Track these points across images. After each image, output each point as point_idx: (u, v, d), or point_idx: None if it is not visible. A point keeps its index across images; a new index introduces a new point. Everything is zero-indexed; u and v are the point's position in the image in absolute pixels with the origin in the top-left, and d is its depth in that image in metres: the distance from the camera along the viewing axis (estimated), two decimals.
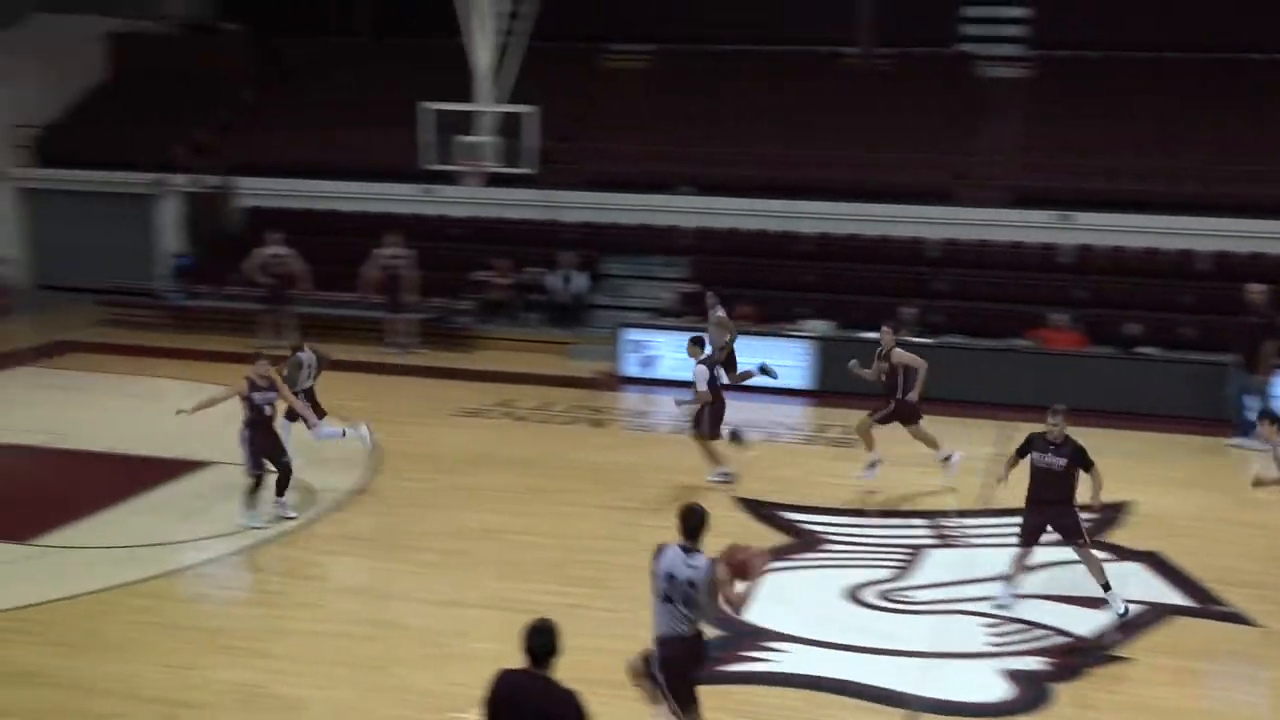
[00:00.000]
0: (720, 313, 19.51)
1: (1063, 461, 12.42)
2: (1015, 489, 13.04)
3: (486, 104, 25.61)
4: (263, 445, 14.74)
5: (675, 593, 8.83)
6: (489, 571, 13.65)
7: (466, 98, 26.01)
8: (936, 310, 22.91)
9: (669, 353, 21.99)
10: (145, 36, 32.55)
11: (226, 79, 30.83)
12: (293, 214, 27.34)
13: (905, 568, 13.97)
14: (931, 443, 16.66)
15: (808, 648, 11.94)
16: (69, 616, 12.30)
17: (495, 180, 26.30)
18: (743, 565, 8.86)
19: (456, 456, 17.61)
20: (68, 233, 28.73)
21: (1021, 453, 12.79)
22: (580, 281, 24.76)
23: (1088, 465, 12.43)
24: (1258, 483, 13.28)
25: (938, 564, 14.09)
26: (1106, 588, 12.59)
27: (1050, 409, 12.58)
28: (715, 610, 8.95)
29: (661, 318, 23.10)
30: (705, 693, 11.19)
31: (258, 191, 27.98)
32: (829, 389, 21.10)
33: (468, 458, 17.52)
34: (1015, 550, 12.91)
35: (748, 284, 24.10)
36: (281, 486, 14.93)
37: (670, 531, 13.44)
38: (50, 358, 23.30)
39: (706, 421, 16.61)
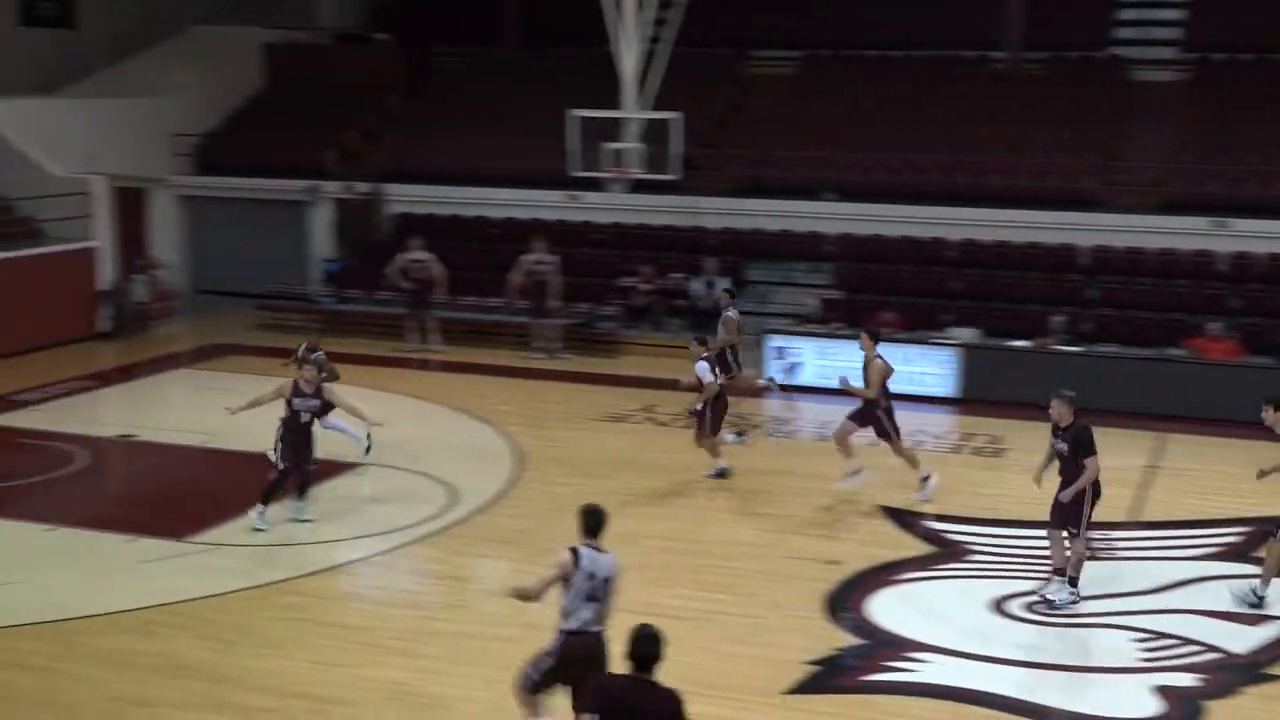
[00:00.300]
0: (731, 313, 19.66)
1: (1064, 446, 12.70)
2: (1165, 502, 12.78)
3: (632, 111, 25.75)
4: (293, 446, 14.90)
5: (599, 591, 9.22)
6: (628, 576, 13.58)
7: (612, 105, 26.17)
8: (1086, 318, 22.48)
9: (812, 359, 21.91)
10: (300, 47, 33.30)
11: (377, 88, 31.40)
12: (440, 220, 27.76)
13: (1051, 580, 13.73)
14: (913, 462, 16.26)
15: (951, 659, 11.81)
16: (221, 612, 12.62)
17: (639, 186, 26.43)
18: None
19: (599, 461, 17.72)
20: (224, 238, 29.47)
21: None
22: (723, 287, 24.74)
23: (1085, 454, 12.56)
24: (1261, 475, 13.17)
25: (1084, 576, 13.83)
26: (1060, 573, 12.84)
27: (1054, 393, 12.82)
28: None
29: (805, 324, 22.98)
30: (847, 702, 11.15)
31: (406, 198, 28.44)
32: (974, 397, 20.83)
33: (610, 462, 17.61)
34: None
35: (892, 290, 23.90)
36: (302, 489, 15.14)
37: (811, 540, 13.36)
38: (207, 360, 23.94)
39: (710, 420, 16.76)
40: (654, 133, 25.35)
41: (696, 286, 24.88)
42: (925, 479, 16.15)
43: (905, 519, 15.42)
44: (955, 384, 21.20)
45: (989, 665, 11.68)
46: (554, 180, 26.94)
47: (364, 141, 30.29)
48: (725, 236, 26.32)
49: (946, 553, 14.46)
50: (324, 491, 16.30)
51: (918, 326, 22.47)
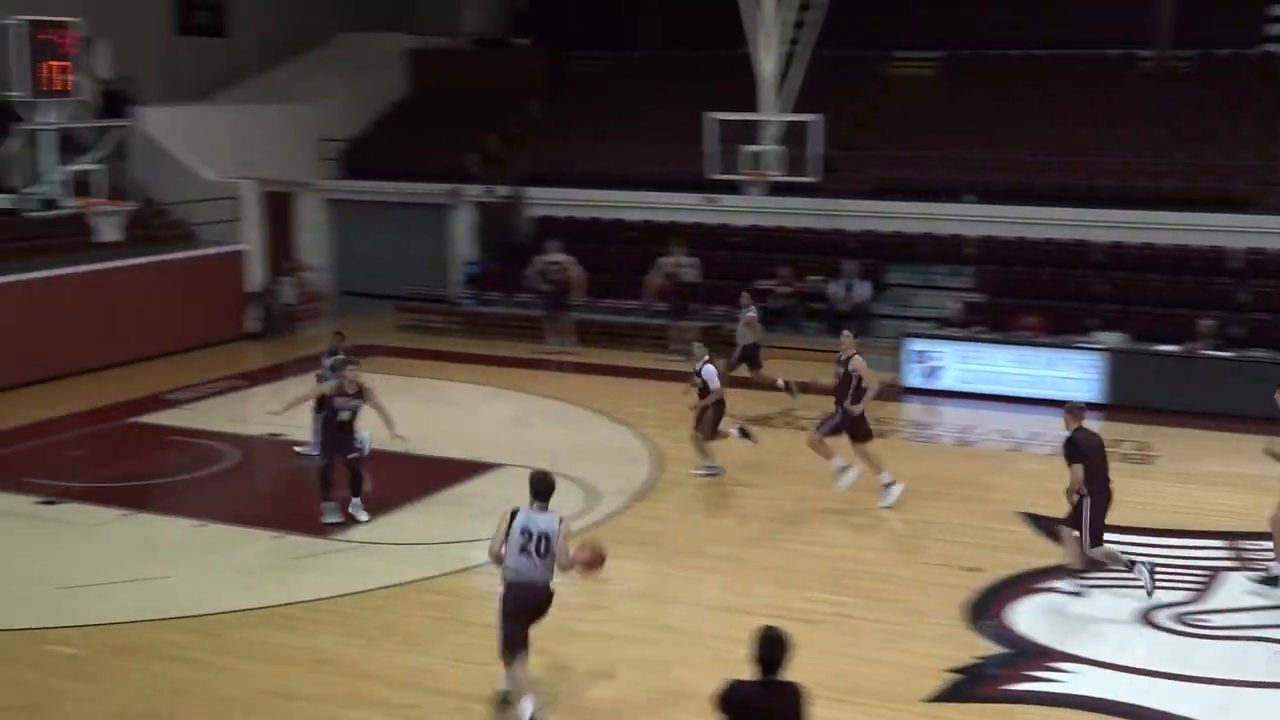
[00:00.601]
0: (751, 314, 19.85)
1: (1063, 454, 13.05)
2: None
3: (770, 113, 25.69)
4: (331, 443, 15.21)
5: (532, 544, 10.36)
6: (765, 578, 13.70)
7: (750, 107, 26.14)
8: (1238, 323, 21.95)
9: (953, 363, 21.67)
10: (442, 53, 33.80)
11: (518, 92, 31.72)
12: (579, 222, 27.96)
13: (1202, 591, 13.45)
14: (877, 466, 16.09)
15: (1097, 669, 11.61)
16: (364, 609, 12.85)
17: (777, 189, 26.36)
18: (588, 562, 10.64)
19: (736, 464, 17.70)
20: (368, 241, 30.01)
21: None
22: (862, 290, 24.60)
23: (1069, 462, 12.82)
24: (1269, 452, 13.56)
25: (1236, 588, 13.51)
26: (1072, 571, 13.09)
27: None
28: (565, 560, 10.45)
29: (945, 328, 22.73)
30: (989, 712, 11.01)
31: (546, 201, 28.69)
32: (1120, 403, 20.43)
33: (748, 465, 17.59)
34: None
35: (1035, 294, 23.55)
36: (356, 486, 15.31)
37: (951, 545, 13.26)
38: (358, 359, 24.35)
39: (709, 421, 16.93)
40: (793, 135, 25.27)
41: (835, 289, 24.74)
42: (889, 485, 16.03)
43: (1047, 525, 15.17)
44: (1100, 389, 20.80)
45: (1135, 677, 11.46)
46: (692, 183, 26.98)
47: (505, 145, 30.61)
48: (864, 239, 26.15)
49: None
50: (464, 492, 16.53)
51: (1061, 331, 22.10)
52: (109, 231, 18.36)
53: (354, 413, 15.21)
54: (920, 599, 13.18)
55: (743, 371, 20.29)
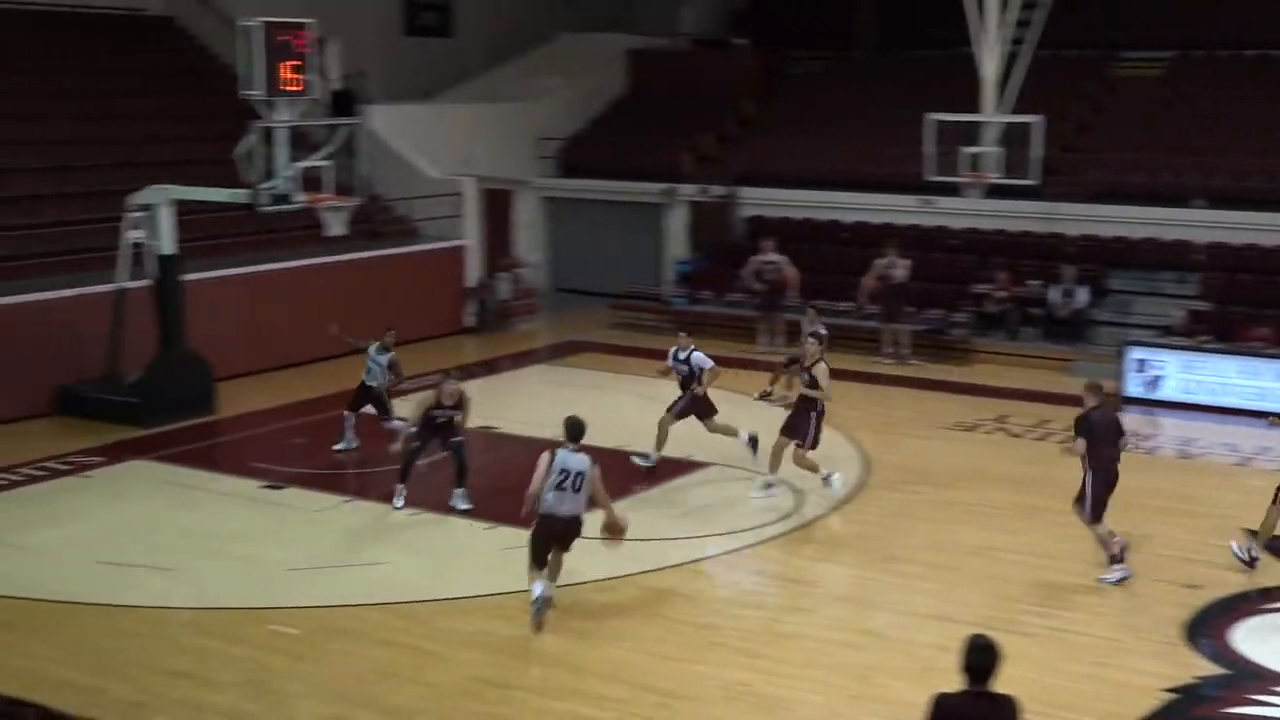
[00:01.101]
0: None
1: None
2: None
3: (991, 114, 25.24)
4: (423, 435, 15.72)
5: (568, 481, 12.00)
6: (976, 588, 13.49)
7: (969, 108, 25.73)
8: None
9: (1175, 373, 21.02)
10: (661, 53, 34.07)
11: (734, 92, 31.79)
12: (793, 223, 27.88)
13: None
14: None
15: None
16: (575, 602, 13.00)
17: (996, 191, 25.88)
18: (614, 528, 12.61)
19: (947, 470, 17.47)
20: (583, 239, 30.41)
21: None
22: (1081, 296, 24.00)
23: (1074, 433, 13.62)
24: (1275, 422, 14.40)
25: None
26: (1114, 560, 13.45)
27: None
28: (601, 498, 12.28)
29: (1168, 336, 22.04)
30: None
31: (759, 200, 28.67)
32: None
33: (959, 472, 17.34)
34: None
35: (1267, 303, 22.69)
36: (460, 477, 15.74)
37: (1170, 561, 12.94)
38: (563, 356, 24.73)
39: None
40: (1013, 136, 24.78)
41: (1054, 294, 24.19)
42: (827, 477, 15.96)
43: (1274, 543, 14.61)
44: None
45: None
46: (908, 184, 26.70)
47: (720, 145, 30.69)
48: (1085, 243, 25.51)
49: None
50: (671, 490, 16.63)
51: None
52: (337, 226, 18.97)
53: (451, 419, 15.67)
54: (1137, 614, 12.83)
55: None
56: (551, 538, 12.23)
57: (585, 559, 14.16)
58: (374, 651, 11.88)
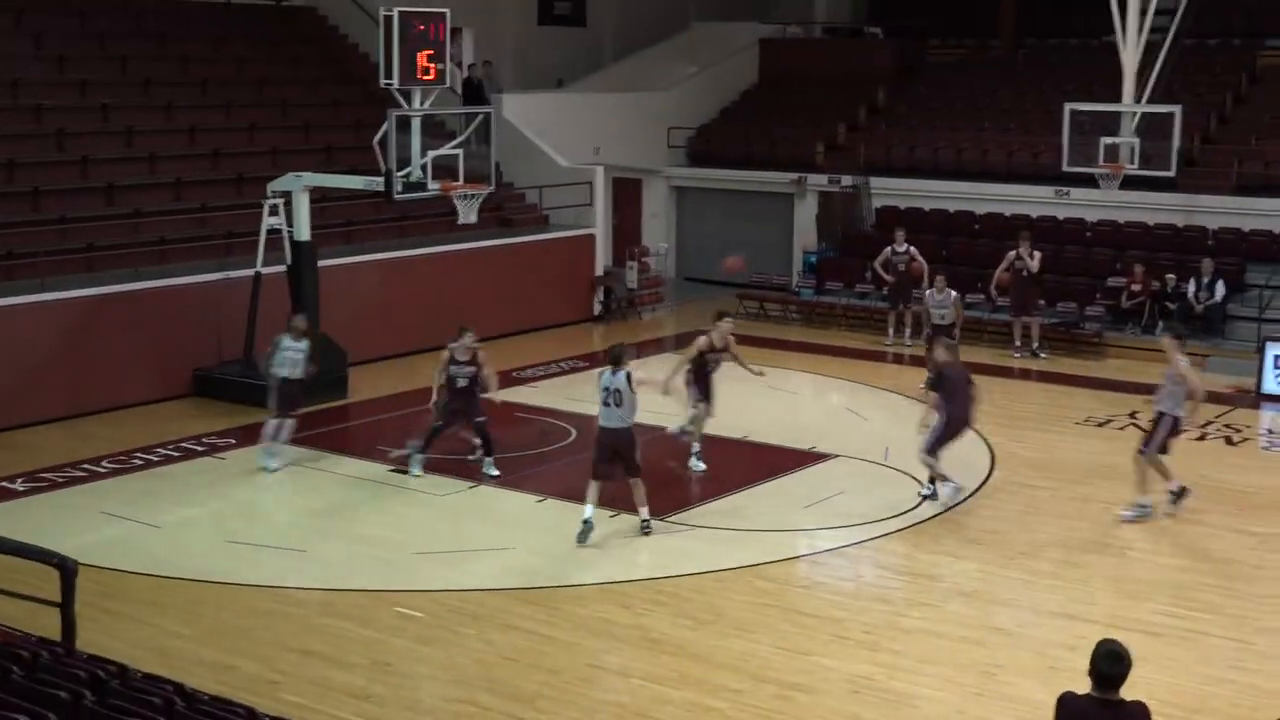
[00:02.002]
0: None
1: None
2: None
3: (1130, 104, 24.74)
4: (451, 407, 16.32)
5: (611, 398, 14.10)
6: (1105, 587, 13.28)
7: (1104, 98, 25.25)
8: None
9: None
10: (793, 42, 33.92)
11: (867, 82, 31.54)
12: (923, 213, 27.61)
13: None
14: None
15: None
16: (696, 591, 13.07)
17: (1132, 183, 25.36)
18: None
19: (1079, 466, 17.20)
20: (711, 228, 30.41)
21: None
22: (1219, 290, 23.44)
23: (929, 388, 15.73)
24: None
25: None
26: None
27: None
28: (635, 407, 14.23)
29: None
30: None
31: (891, 190, 28.42)
32: None
33: (1090, 468, 17.06)
34: None
35: None
36: (487, 447, 16.56)
37: None
38: (688, 345, 24.69)
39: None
40: (1151, 127, 24.25)
41: (1190, 289, 23.67)
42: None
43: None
44: None
45: None
46: (1043, 175, 26.32)
47: (852, 135, 30.49)
48: (1224, 236, 24.92)
49: None
50: (796, 481, 16.59)
51: None
52: (468, 214, 19.20)
53: (470, 379, 16.30)
54: (1272, 618, 12.54)
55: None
56: (604, 448, 14.30)
57: (707, 548, 14.23)
58: (498, 636, 12.03)
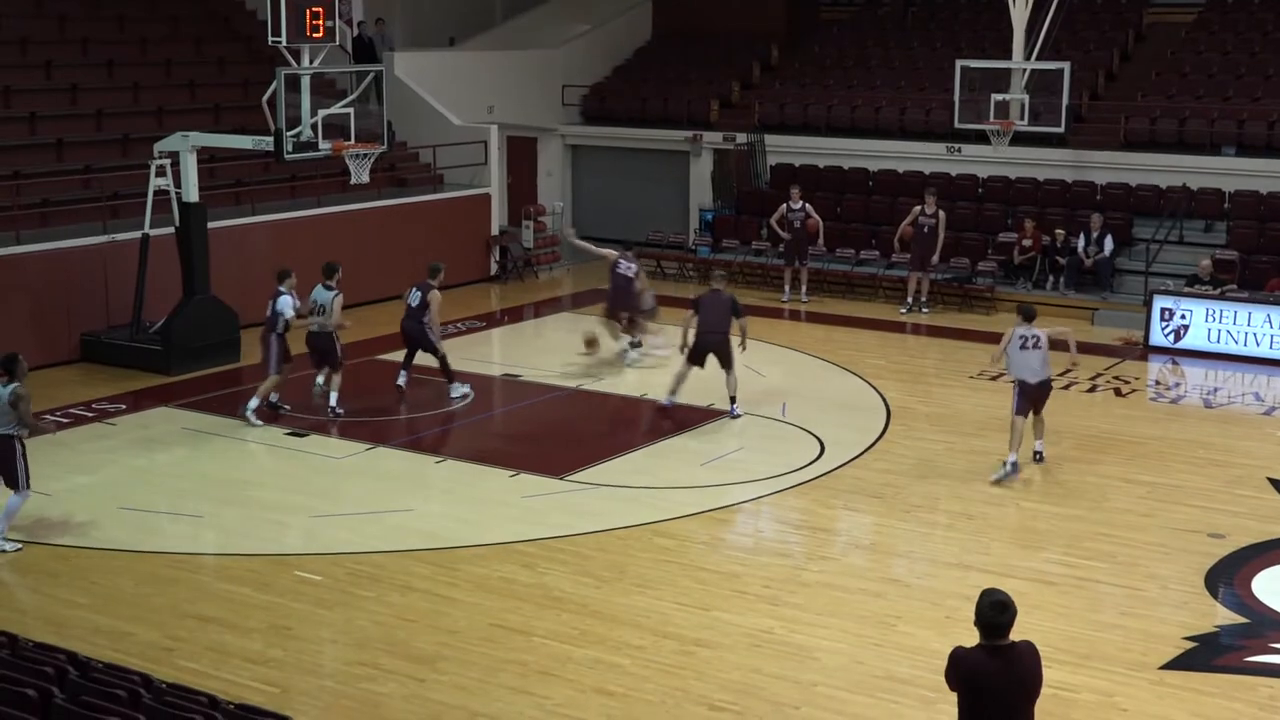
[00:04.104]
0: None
1: None
2: None
3: (1020, 61, 24.99)
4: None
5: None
6: (999, 537, 13.50)
7: (995, 55, 25.49)
8: None
9: (1201, 322, 20.90)
10: None
11: (760, 38, 31.53)
12: (818, 171, 27.73)
13: None
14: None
15: None
16: (597, 549, 13.09)
17: (1022, 139, 25.66)
18: None
19: (972, 419, 17.44)
20: (607, 187, 30.33)
21: None
22: (1107, 245, 23.83)
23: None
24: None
25: None
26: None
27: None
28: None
29: (1194, 285, 21.88)
30: (1228, 683, 10.68)
31: (785, 148, 28.50)
32: None
33: (984, 421, 17.30)
34: None
35: None
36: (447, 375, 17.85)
37: (1195, 511, 12.92)
38: (585, 305, 24.65)
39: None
40: (1041, 84, 24.54)
41: (1081, 243, 24.03)
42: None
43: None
44: None
45: None
46: (935, 132, 26.55)
47: (746, 92, 30.51)
48: (1112, 192, 25.32)
49: None
50: (695, 438, 16.66)
51: None
52: (361, 173, 18.95)
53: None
54: (1160, 564, 12.83)
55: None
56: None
57: (608, 506, 14.25)
58: (397, 598, 11.96)
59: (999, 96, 24.35)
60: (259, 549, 13.14)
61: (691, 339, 17.29)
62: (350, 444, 16.23)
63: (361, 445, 16.20)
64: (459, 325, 22.43)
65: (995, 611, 7.17)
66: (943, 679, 7.39)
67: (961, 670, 7.25)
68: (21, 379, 12.87)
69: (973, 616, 7.25)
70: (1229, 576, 12.54)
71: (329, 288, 17.04)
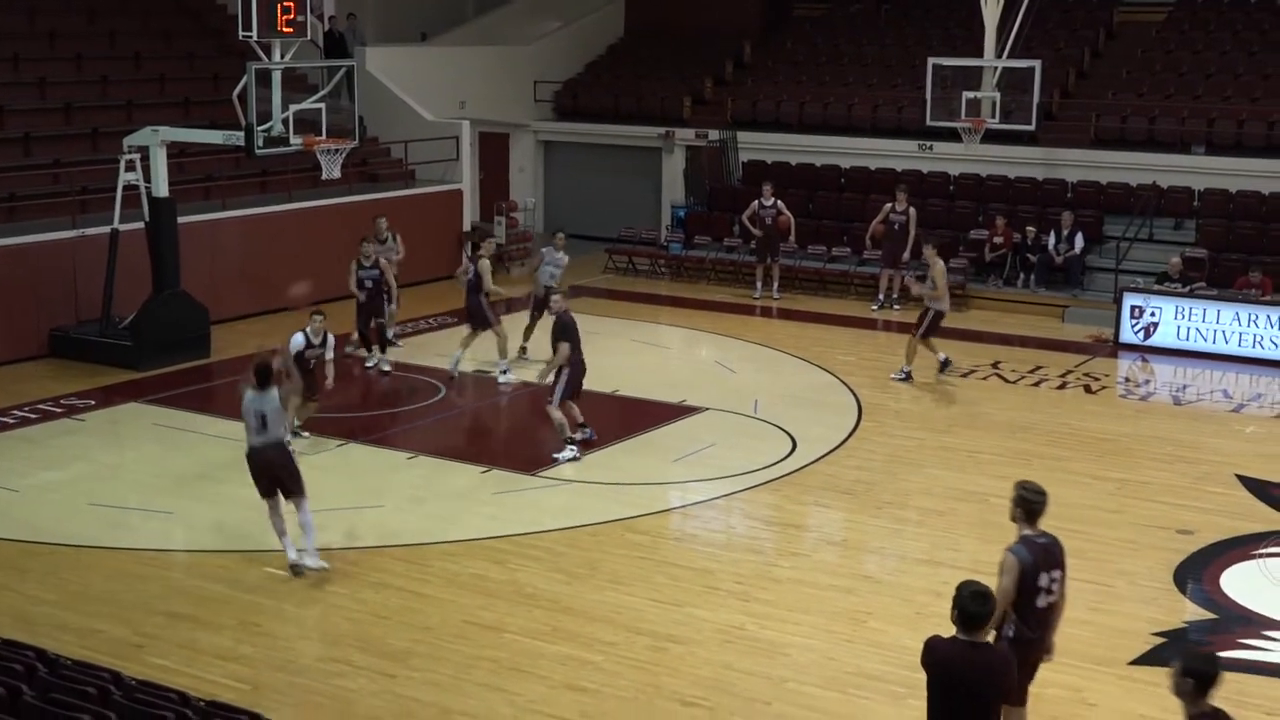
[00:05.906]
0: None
1: None
2: None
3: (992, 59, 25.08)
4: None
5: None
6: (969, 533, 13.54)
7: (966, 53, 25.58)
8: None
9: (1170, 320, 21.01)
10: None
11: (733, 35, 31.56)
12: (791, 168, 27.77)
13: None
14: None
15: None
16: (569, 546, 13.08)
17: (993, 137, 25.75)
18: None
19: (943, 416, 17.51)
20: (580, 183, 30.32)
21: None
22: (1078, 242, 23.94)
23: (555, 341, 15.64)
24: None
25: None
26: None
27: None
28: None
29: (1164, 283, 22.00)
30: None
31: (758, 145, 28.52)
32: None
33: (954, 418, 17.37)
34: None
35: (1262, 250, 22.65)
36: (381, 345, 18.87)
37: (1164, 507, 12.98)
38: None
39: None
40: (1013, 82, 24.64)
41: (1051, 241, 24.13)
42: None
43: (1264, 490, 14.68)
44: None
45: None
46: (907, 130, 26.63)
47: (718, 89, 30.53)
48: (1083, 189, 25.43)
49: None
50: (667, 434, 16.66)
51: None
52: (333, 169, 18.90)
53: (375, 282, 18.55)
54: (1129, 560, 12.90)
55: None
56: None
57: (581, 502, 14.25)
58: (369, 594, 11.93)
59: (970, 94, 24.44)
60: (229, 545, 13.09)
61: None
62: (321, 440, 16.17)
63: (333, 441, 16.15)
64: (430, 321, 22.42)
65: (976, 602, 7.19)
66: (912, 674, 7.42)
67: (936, 659, 7.27)
68: None
69: (942, 612, 7.28)
70: (1197, 572, 12.62)
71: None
